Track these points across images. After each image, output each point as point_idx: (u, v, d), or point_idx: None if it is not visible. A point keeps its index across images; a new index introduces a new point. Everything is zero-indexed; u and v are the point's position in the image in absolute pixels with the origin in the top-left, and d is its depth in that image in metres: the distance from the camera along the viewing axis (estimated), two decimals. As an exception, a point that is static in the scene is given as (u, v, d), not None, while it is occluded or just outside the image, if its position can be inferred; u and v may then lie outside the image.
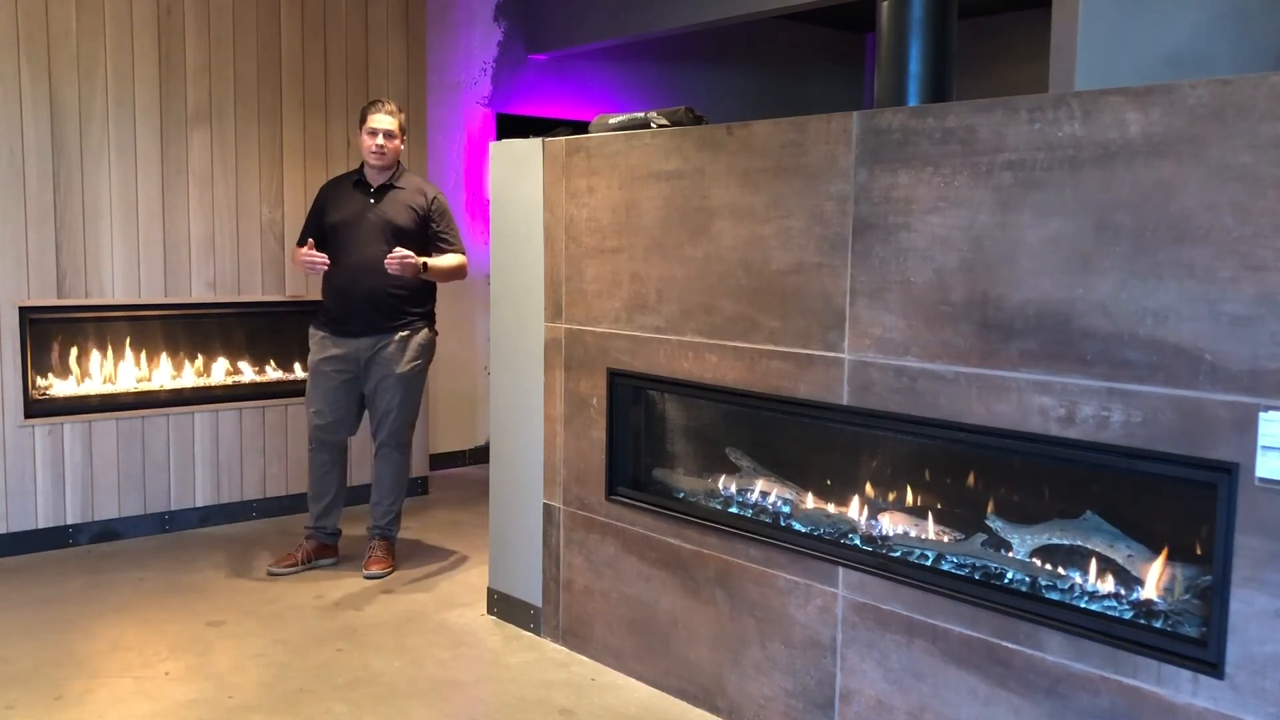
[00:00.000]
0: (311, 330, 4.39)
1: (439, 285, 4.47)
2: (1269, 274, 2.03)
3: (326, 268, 4.20)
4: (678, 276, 3.19)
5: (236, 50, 5.03)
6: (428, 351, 4.42)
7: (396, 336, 4.29)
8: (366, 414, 4.46)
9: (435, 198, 4.39)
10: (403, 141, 4.34)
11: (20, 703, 3.21)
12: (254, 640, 3.70)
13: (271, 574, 4.32)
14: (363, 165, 4.37)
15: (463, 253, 4.41)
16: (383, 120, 4.25)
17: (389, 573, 4.37)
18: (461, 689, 3.37)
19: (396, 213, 4.28)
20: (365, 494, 4.68)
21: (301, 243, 4.39)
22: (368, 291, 4.23)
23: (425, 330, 4.39)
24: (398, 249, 4.11)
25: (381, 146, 4.24)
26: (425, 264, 4.20)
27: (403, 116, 4.33)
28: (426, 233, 4.33)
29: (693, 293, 3.15)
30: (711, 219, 3.08)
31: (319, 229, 4.33)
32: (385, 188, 4.32)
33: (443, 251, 4.34)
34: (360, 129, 4.30)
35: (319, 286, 4.51)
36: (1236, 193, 2.07)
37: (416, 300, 4.35)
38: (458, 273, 4.39)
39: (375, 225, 4.24)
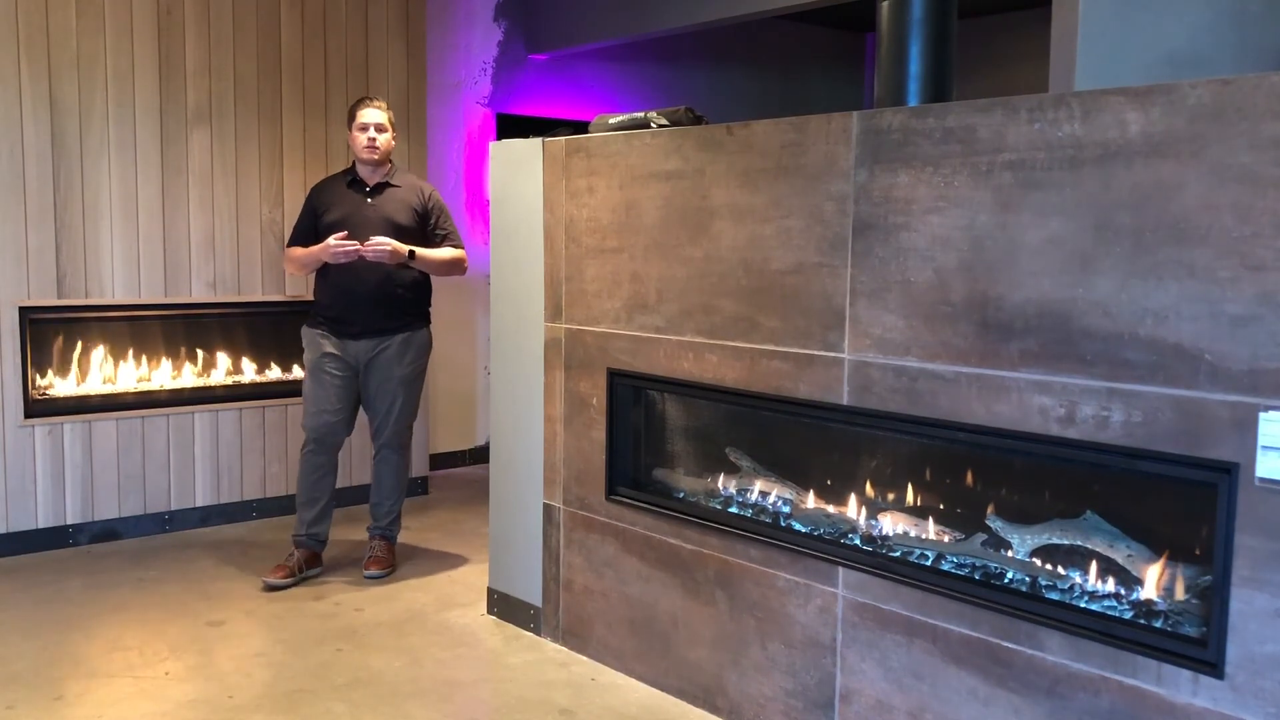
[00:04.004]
0: (306, 330, 4.33)
1: (437, 283, 4.46)
2: (1269, 274, 2.04)
3: (358, 249, 4.10)
4: (678, 276, 3.19)
5: (236, 50, 5.03)
6: (427, 352, 4.40)
7: (397, 338, 4.27)
8: (362, 415, 4.44)
9: (432, 194, 4.37)
10: (394, 136, 4.30)
11: (20, 703, 3.21)
12: (254, 640, 3.70)
13: (270, 587, 4.15)
14: (354, 165, 4.32)
15: (461, 247, 4.39)
16: (373, 114, 4.21)
17: (389, 573, 4.36)
18: (461, 689, 3.37)
19: (396, 210, 4.24)
20: (358, 495, 4.65)
21: (293, 244, 4.32)
22: (371, 291, 4.19)
23: (424, 330, 4.38)
24: (375, 237, 4.08)
25: (373, 140, 4.19)
26: (413, 252, 4.17)
27: (391, 113, 4.30)
28: (426, 230, 4.31)
29: (693, 293, 3.15)
30: (711, 219, 3.08)
31: (314, 230, 4.27)
32: (382, 185, 4.28)
33: (441, 246, 4.32)
34: (350, 127, 4.26)
35: (313, 286, 4.47)
36: (1236, 193, 2.07)
37: (418, 300, 4.33)
38: (454, 266, 4.36)
39: (375, 224, 4.19)
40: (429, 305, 4.42)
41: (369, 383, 4.30)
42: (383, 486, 4.44)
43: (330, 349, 4.25)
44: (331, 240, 4.11)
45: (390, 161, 4.34)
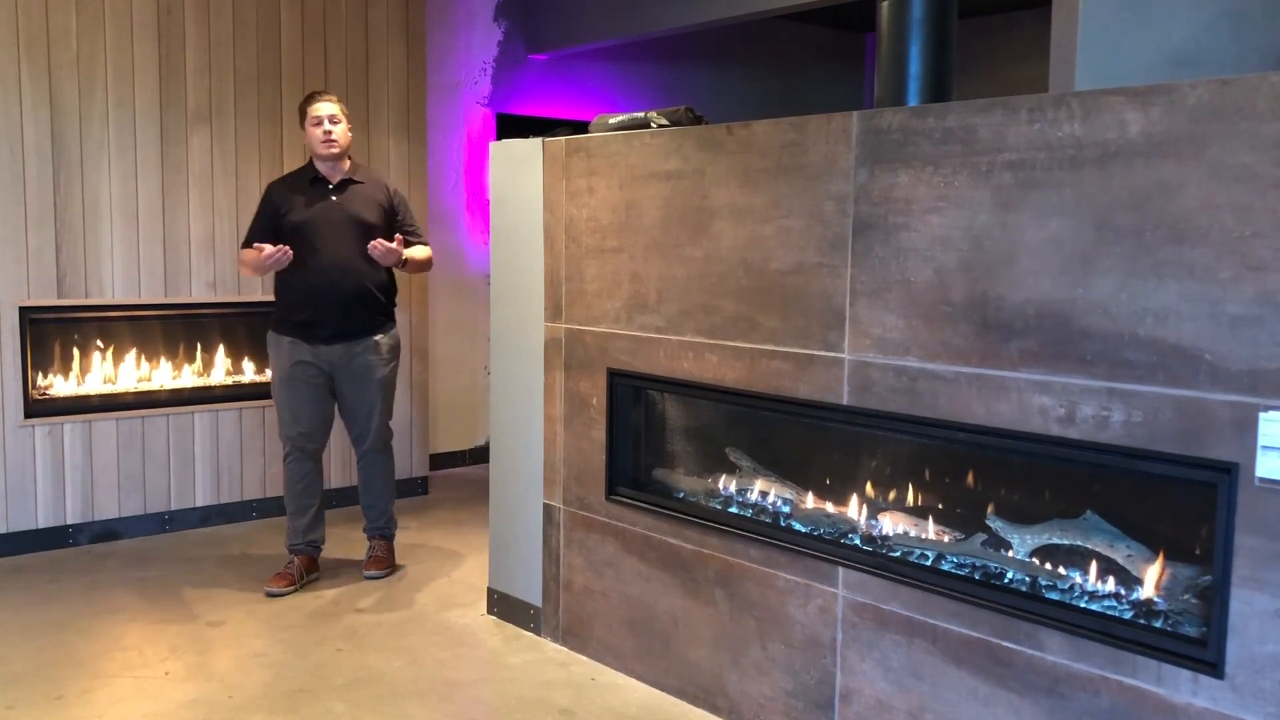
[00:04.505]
0: (273, 336, 4.19)
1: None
2: (1269, 274, 2.04)
3: (290, 257, 3.97)
4: (678, 276, 3.19)
5: (236, 50, 5.03)
6: (398, 351, 4.33)
7: (370, 340, 4.17)
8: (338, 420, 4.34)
9: (396, 190, 4.31)
10: (350, 128, 4.17)
11: (20, 703, 3.21)
12: (254, 640, 3.70)
13: (272, 595, 4.11)
14: (312, 163, 4.19)
15: (428, 243, 4.35)
16: (326, 106, 4.08)
17: (389, 572, 4.36)
18: (461, 689, 3.37)
19: (365, 208, 4.13)
20: (354, 496, 4.58)
21: (248, 245, 4.15)
22: (346, 293, 4.07)
23: (394, 329, 4.30)
24: (382, 240, 4.01)
25: (329, 133, 4.05)
26: (405, 260, 4.13)
27: (344, 105, 4.18)
28: (392, 226, 4.20)
29: (693, 293, 3.15)
30: (711, 219, 3.08)
31: (275, 231, 4.09)
32: (346, 183, 4.15)
33: (411, 244, 4.23)
34: (304, 125, 4.13)
35: (271, 287, 4.27)
36: (1236, 193, 2.07)
37: (389, 300, 4.25)
38: (427, 264, 4.33)
39: (343, 223, 4.07)
40: (394, 302, 4.34)
41: (345, 388, 4.20)
42: (373, 489, 4.38)
43: (302, 356, 4.12)
44: (264, 256, 3.95)
45: (349, 157, 4.21)
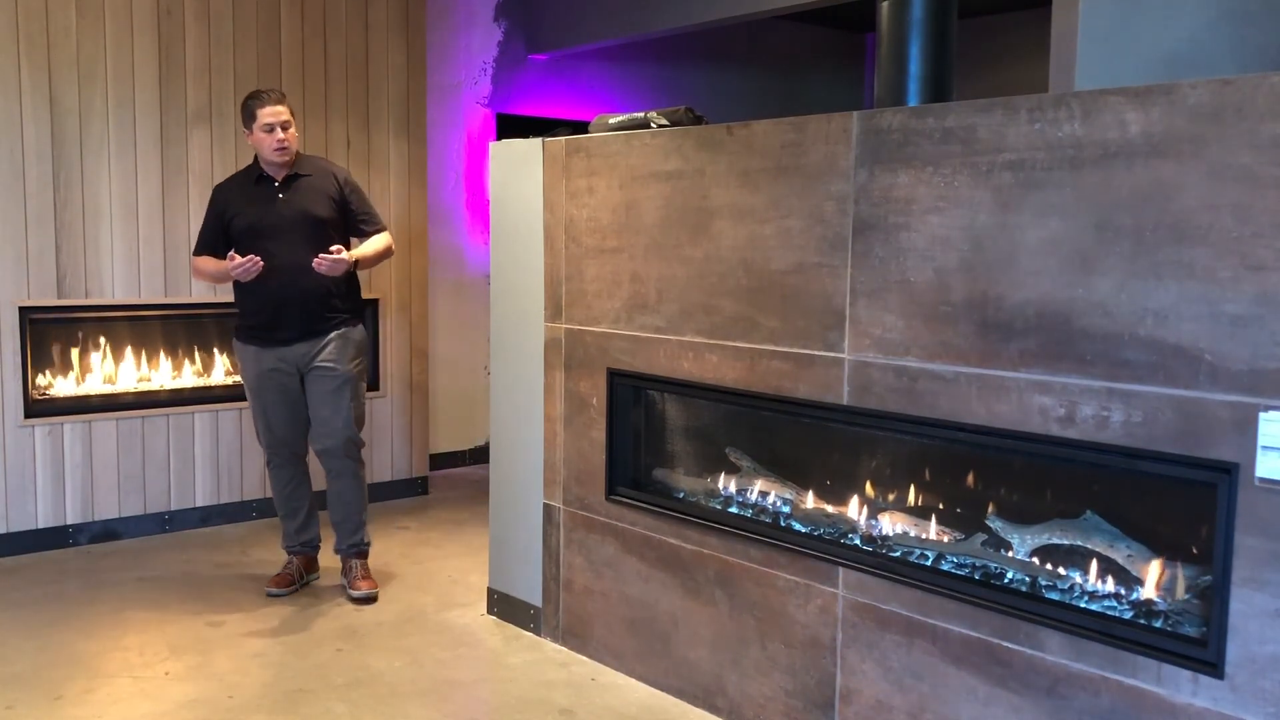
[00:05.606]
0: (238, 344, 4.10)
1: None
2: (1269, 274, 2.04)
3: (260, 267, 3.82)
4: (678, 276, 3.19)
5: (236, 50, 5.03)
6: (364, 348, 4.18)
7: (332, 336, 4.01)
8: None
9: (346, 178, 4.11)
10: (295, 128, 4.00)
11: (20, 703, 3.21)
12: (254, 640, 3.70)
13: (270, 596, 4.10)
14: (257, 161, 4.02)
15: (385, 227, 4.18)
16: (280, 111, 3.91)
17: (377, 592, 4.12)
18: (461, 689, 3.37)
19: (314, 204, 3.97)
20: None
21: (200, 252, 4.06)
22: (303, 293, 3.93)
23: (359, 327, 4.15)
24: (332, 249, 3.87)
25: (283, 141, 3.91)
26: (356, 261, 3.97)
27: (289, 104, 4.01)
28: (346, 216, 4.06)
29: (693, 293, 3.15)
30: (711, 219, 3.08)
31: (224, 236, 4.00)
32: (292, 178, 3.99)
33: (365, 234, 4.09)
34: (250, 126, 3.94)
35: (229, 291, 4.15)
36: (1236, 193, 2.07)
37: (349, 295, 4.10)
38: (387, 253, 4.18)
39: (293, 221, 3.93)
40: (360, 299, 4.21)
41: (312, 389, 4.06)
42: (344, 501, 4.15)
43: (269, 363, 4.01)
44: (232, 267, 3.82)
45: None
